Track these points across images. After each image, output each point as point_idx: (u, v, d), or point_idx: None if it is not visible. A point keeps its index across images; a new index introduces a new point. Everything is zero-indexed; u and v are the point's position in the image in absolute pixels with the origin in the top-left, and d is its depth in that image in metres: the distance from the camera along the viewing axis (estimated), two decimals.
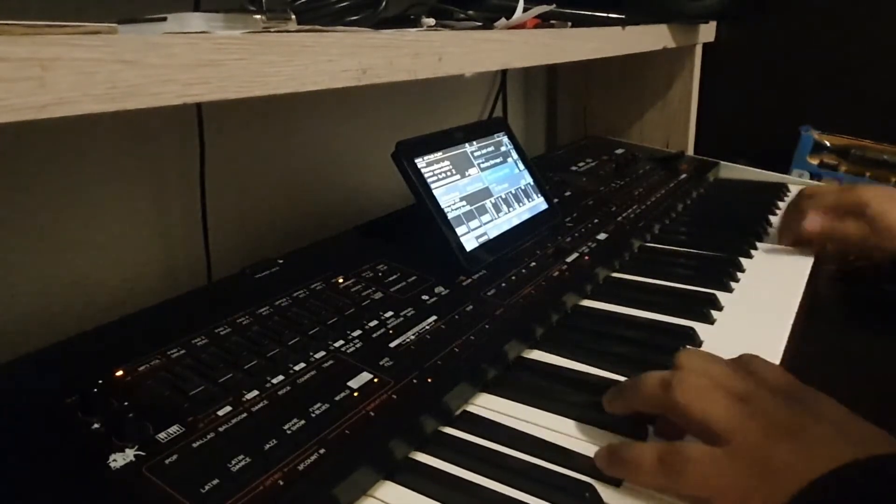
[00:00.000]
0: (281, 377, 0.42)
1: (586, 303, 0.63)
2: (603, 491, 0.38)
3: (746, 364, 0.42)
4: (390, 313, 0.52)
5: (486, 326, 0.52)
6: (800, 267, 0.71)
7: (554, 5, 0.64)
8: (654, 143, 1.22)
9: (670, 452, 0.37)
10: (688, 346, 0.53)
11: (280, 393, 0.41)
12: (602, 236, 0.73)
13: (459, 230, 0.61)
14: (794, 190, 0.99)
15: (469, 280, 0.59)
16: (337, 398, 0.41)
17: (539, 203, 0.73)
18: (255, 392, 0.41)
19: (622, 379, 0.49)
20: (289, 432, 0.38)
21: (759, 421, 0.36)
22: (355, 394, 0.42)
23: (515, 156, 0.74)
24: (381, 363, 0.45)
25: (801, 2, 1.14)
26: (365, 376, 0.44)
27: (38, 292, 0.57)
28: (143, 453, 0.35)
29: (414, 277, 0.58)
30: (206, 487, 0.33)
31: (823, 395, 0.38)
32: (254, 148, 0.74)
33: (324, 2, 0.45)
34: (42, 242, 0.57)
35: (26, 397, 0.39)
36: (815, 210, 0.73)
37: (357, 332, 0.49)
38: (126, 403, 0.38)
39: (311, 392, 0.41)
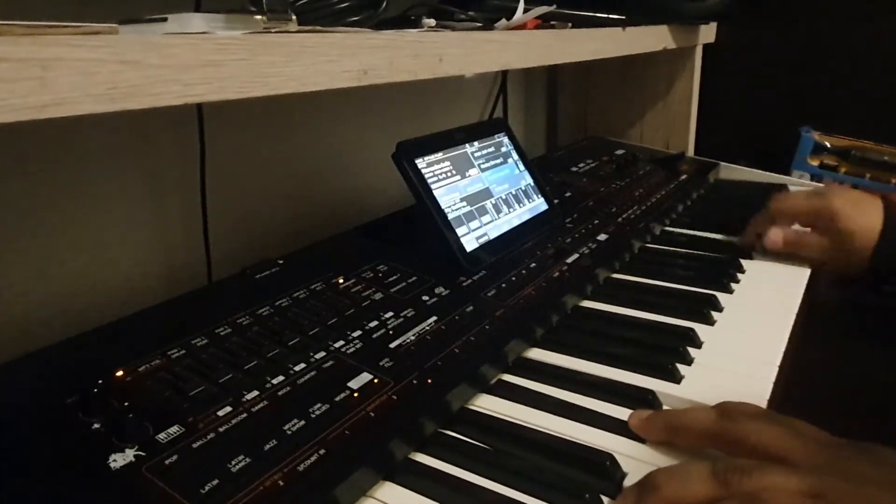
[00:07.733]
0: (281, 377, 0.42)
1: (586, 303, 0.63)
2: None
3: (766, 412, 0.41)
4: (390, 314, 0.52)
5: (487, 327, 0.52)
6: (800, 269, 0.71)
7: (554, 6, 0.64)
8: (654, 144, 1.22)
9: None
10: (688, 347, 0.53)
11: (280, 393, 0.41)
12: (602, 237, 0.73)
13: (460, 231, 0.61)
14: (794, 191, 0.99)
15: (469, 281, 0.59)
16: (337, 399, 0.41)
17: (539, 204, 0.73)
18: (255, 392, 0.41)
19: (622, 380, 0.49)
20: (289, 433, 0.38)
21: (815, 442, 0.36)
22: (355, 394, 0.42)
23: (516, 156, 0.74)
24: (381, 364, 0.45)
25: (802, 3, 1.14)
26: (365, 377, 0.44)
27: (38, 292, 0.57)
28: (143, 453, 0.35)
29: (414, 278, 0.58)
30: (206, 488, 0.33)
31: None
32: (254, 148, 0.74)
33: (325, 2, 0.45)
34: (42, 242, 0.57)
35: (27, 397, 0.39)
36: (781, 221, 0.72)
37: (357, 333, 0.49)
38: (126, 404, 0.38)
39: (311, 392, 0.41)
